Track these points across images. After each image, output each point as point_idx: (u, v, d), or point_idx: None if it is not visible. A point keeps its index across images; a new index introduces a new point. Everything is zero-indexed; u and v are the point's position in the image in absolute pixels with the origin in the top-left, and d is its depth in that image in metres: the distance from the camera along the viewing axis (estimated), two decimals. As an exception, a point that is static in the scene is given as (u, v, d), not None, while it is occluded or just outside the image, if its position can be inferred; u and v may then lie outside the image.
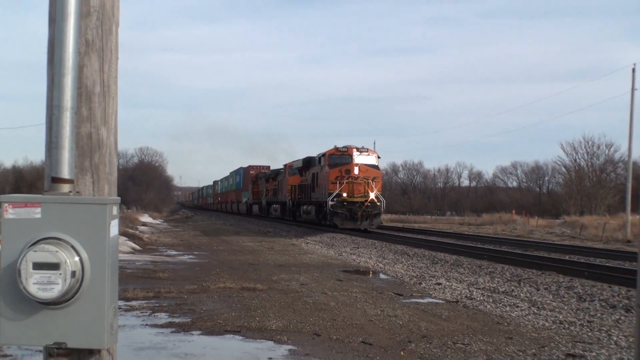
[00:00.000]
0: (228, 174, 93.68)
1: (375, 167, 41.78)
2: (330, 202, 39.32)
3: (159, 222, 61.25)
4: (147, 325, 11.60)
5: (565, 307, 13.54)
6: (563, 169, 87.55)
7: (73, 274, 2.53)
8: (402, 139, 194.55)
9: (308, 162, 47.88)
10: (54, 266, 2.51)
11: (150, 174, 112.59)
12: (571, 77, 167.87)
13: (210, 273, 19.42)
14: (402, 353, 9.58)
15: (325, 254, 26.67)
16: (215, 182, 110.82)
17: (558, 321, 12.07)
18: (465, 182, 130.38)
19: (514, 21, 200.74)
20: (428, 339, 10.52)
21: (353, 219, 39.25)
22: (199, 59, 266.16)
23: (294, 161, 54.17)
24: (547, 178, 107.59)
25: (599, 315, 12.61)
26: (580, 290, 15.57)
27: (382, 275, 19.50)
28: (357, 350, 9.78)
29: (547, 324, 11.78)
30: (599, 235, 42.25)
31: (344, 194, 39.28)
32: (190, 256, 26.16)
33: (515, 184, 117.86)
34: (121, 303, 12.82)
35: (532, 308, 13.50)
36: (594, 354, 9.57)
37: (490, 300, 14.59)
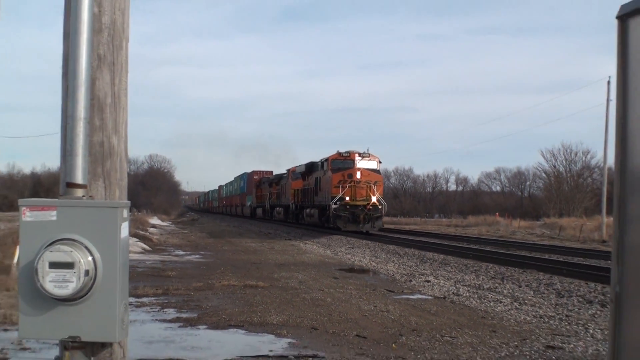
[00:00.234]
0: (232, 179, 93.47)
1: (377, 171, 40.83)
2: (333, 206, 38.43)
3: (168, 225, 61.15)
4: (156, 320, 11.58)
5: (545, 303, 13.56)
6: (543, 175, 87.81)
7: (86, 272, 2.53)
8: (394, 147, 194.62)
9: (311, 167, 46.81)
10: (69, 265, 2.51)
11: (159, 180, 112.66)
12: (551, 89, 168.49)
13: (216, 271, 19.41)
14: (393, 345, 9.57)
15: (322, 253, 26.66)
16: (220, 187, 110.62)
17: (538, 315, 12.08)
18: (452, 187, 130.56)
19: (498, 37, 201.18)
20: (418, 332, 10.52)
21: (355, 221, 38.24)
22: (205, 72, 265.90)
23: (296, 166, 53.23)
24: (528, 183, 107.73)
25: (576, 310, 12.63)
26: (559, 287, 15.59)
27: (375, 273, 19.49)
28: (352, 343, 9.77)
29: (528, 318, 11.79)
30: (576, 236, 42.28)
31: (347, 198, 38.33)
32: (197, 256, 26.13)
33: (498, 188, 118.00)
34: (132, 299, 12.79)
35: (515, 303, 13.50)
36: (572, 345, 9.58)
37: (476, 296, 14.60)
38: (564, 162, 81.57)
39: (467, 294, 14.98)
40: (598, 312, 12.16)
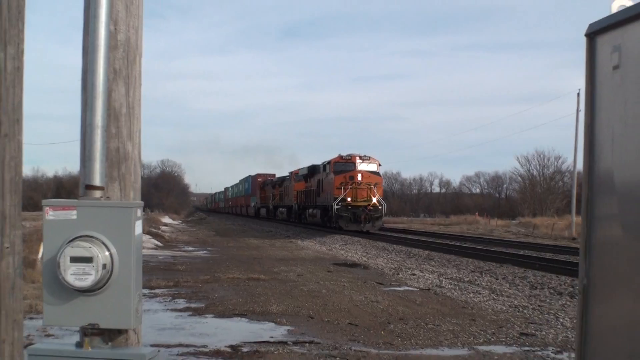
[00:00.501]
0: (238, 181, 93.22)
1: (377, 173, 39.64)
2: (335, 206, 37.18)
3: (178, 223, 61.09)
4: (168, 309, 11.58)
5: (520, 294, 13.59)
6: (519, 178, 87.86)
7: (104, 266, 2.53)
8: (384, 152, 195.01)
9: (313, 169, 45.47)
10: (88, 260, 2.51)
11: (170, 182, 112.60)
12: (527, 100, 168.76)
13: (221, 266, 19.40)
14: (382, 332, 9.57)
15: (318, 249, 26.68)
16: (226, 189, 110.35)
17: (513, 306, 12.10)
18: (436, 189, 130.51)
19: (478, 53, 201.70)
20: (404, 320, 10.53)
21: (357, 221, 36.90)
22: (212, 84, 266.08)
23: (299, 169, 51.88)
24: (505, 185, 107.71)
25: (548, 300, 12.66)
26: (533, 280, 15.63)
27: (365, 268, 19.49)
28: (345, 330, 9.77)
29: (504, 308, 11.81)
30: (548, 234, 42.33)
31: (349, 199, 37.04)
32: (205, 251, 26.13)
33: (478, 190, 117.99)
34: (145, 291, 12.78)
35: (492, 295, 13.53)
36: (544, 332, 9.60)
37: (457, 288, 14.62)
38: (538, 166, 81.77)
39: (449, 286, 15.01)
40: (567, 303, 12.19)
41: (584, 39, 2.96)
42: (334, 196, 37.38)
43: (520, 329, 9.86)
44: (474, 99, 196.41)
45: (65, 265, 2.51)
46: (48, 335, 8.31)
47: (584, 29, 2.95)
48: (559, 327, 10.01)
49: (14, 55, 3.72)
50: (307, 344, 8.78)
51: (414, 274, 17.41)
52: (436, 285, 15.14)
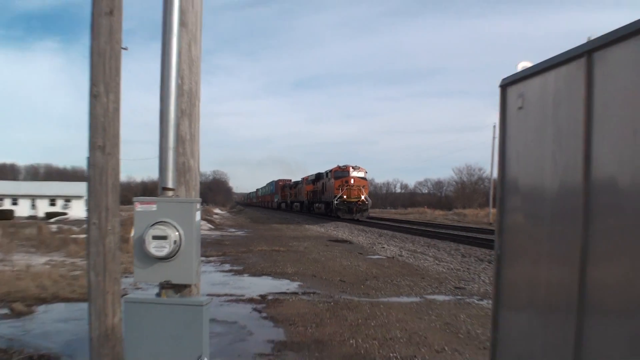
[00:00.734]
0: (265, 184, 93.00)
1: (364, 178, 37.71)
2: (335, 202, 35.52)
3: (224, 213, 60.98)
4: (218, 271, 11.58)
5: (454, 261, 13.57)
6: (454, 183, 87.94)
7: (175, 242, 2.52)
8: (363, 165, 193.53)
9: (318, 176, 43.63)
10: (164, 237, 2.50)
11: (219, 185, 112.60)
12: (460, 130, 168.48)
13: (254, 241, 19.40)
14: (362, 286, 9.57)
15: (319, 231, 26.64)
16: (257, 189, 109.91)
17: (450, 268, 12.09)
18: (398, 190, 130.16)
19: (428, 98, 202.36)
20: (377, 278, 10.52)
21: (350, 212, 35.32)
22: (247, 119, 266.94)
23: (308, 175, 49.68)
24: (444, 187, 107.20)
25: (473, 265, 12.64)
26: (463, 251, 15.59)
27: (351, 243, 19.48)
28: (337, 284, 9.77)
29: (444, 270, 11.80)
30: (473, 220, 42.13)
31: (344, 196, 35.44)
32: (242, 232, 26.13)
33: (426, 191, 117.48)
34: (203, 258, 12.79)
35: (436, 261, 13.52)
36: (470, 286, 9.59)
37: (412, 257, 14.60)
38: (467, 175, 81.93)
39: (407, 255, 14.99)
40: (487, 267, 12.18)
41: (498, 89, 2.97)
42: (334, 194, 36.13)
43: (455, 284, 9.86)
44: (425, 129, 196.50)
45: (148, 241, 2.50)
46: (137, 288, 8.31)
47: (498, 83, 2.96)
48: (481, 283, 10.01)
49: (114, 100, 3.73)
50: (311, 294, 8.78)
51: (383, 247, 17.40)
52: (398, 254, 15.14)
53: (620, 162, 1.98)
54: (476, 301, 8.26)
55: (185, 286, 2.67)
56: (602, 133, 2.09)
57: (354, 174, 36.54)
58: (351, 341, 5.88)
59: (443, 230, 26.21)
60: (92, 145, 3.64)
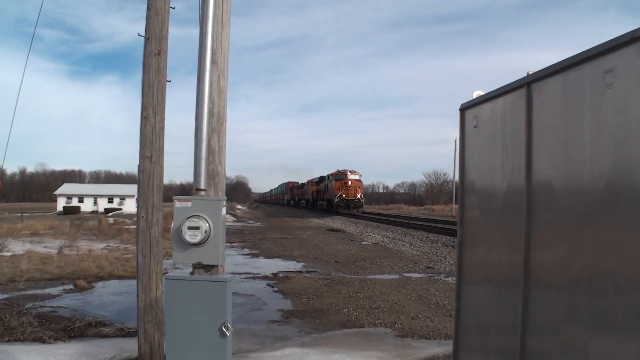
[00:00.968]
0: (277, 185, 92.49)
1: (360, 180, 36.32)
2: (336, 199, 34.55)
3: (244, 209, 60.83)
4: (239, 254, 11.53)
5: (425, 246, 13.55)
6: (425, 184, 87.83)
7: (205, 231, 2.50)
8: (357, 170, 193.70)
9: (321, 178, 42.35)
10: (197, 228, 2.49)
11: (241, 187, 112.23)
12: (430, 143, 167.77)
13: (268, 231, 19.35)
14: (353, 266, 9.53)
15: (319, 222, 26.59)
16: (271, 190, 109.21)
17: (422, 252, 12.05)
18: (381, 190, 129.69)
19: (405, 120, 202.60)
20: (364, 259, 10.49)
21: (348, 208, 34.12)
22: (264, 135, 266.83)
23: (312, 178, 48.39)
24: (417, 188, 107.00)
25: (441, 249, 12.62)
26: (433, 238, 15.57)
27: (344, 232, 19.47)
28: (333, 265, 9.74)
29: (417, 253, 11.76)
30: (440, 214, 42.04)
31: (343, 195, 34.32)
32: (259, 223, 26.05)
33: (403, 191, 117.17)
34: (227, 244, 12.77)
35: (411, 246, 13.49)
36: (439, 266, 9.56)
37: (392, 242, 14.57)
38: (435, 178, 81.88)
39: (388, 241, 14.97)
40: (451, 251, 12.18)
41: (458, 112, 2.97)
42: (335, 194, 35.09)
43: (426, 264, 9.83)
44: (401, 143, 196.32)
45: (185, 231, 2.49)
46: (176, 268, 8.30)
47: (458, 107, 2.96)
48: (447, 263, 9.98)
49: (160, 120, 3.73)
50: (313, 272, 8.75)
51: (369, 235, 17.37)
52: (381, 241, 15.11)
53: (555, 167, 1.99)
54: (443, 278, 8.24)
55: (213, 266, 2.66)
56: (539, 145, 2.10)
57: (351, 176, 35.57)
58: (344, 310, 5.86)
59: (416, 222, 26.13)
60: (142, 156, 3.64)
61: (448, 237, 15.48)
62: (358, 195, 35.04)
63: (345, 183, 34.97)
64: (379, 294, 6.83)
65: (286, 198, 72.46)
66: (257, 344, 4.42)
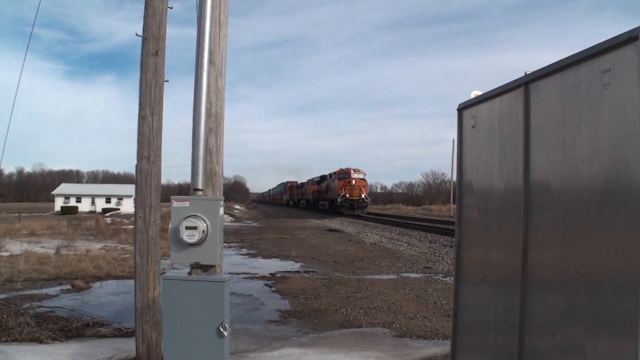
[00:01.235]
0: (275, 185, 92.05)
1: (364, 179, 34.55)
2: (339, 199, 32.67)
3: (242, 209, 60.64)
4: (237, 254, 11.50)
5: (423, 246, 13.55)
6: (423, 184, 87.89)
7: (203, 231, 2.49)
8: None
9: (322, 177, 40.27)
10: (194, 228, 2.47)
11: (239, 187, 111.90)
12: (428, 143, 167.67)
13: (266, 231, 19.32)
14: (350, 266, 9.52)
15: (317, 223, 26.57)
16: (269, 189, 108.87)
17: (420, 252, 12.05)
18: (379, 190, 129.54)
19: (402, 119, 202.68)
20: (362, 259, 10.48)
21: (352, 208, 32.36)
22: (261, 135, 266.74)
23: (313, 177, 46.14)
24: (415, 188, 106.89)
25: (439, 249, 12.62)
26: (430, 238, 15.57)
27: (341, 232, 19.45)
28: (331, 265, 9.73)
29: (415, 253, 11.76)
30: (438, 214, 42.07)
31: (347, 195, 32.48)
32: (256, 223, 26.01)
33: (401, 191, 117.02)
34: (225, 244, 12.72)
35: (409, 246, 13.48)
36: (436, 266, 9.56)
37: (390, 243, 14.57)
38: (432, 178, 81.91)
39: (386, 241, 14.96)
40: (449, 251, 12.18)
41: (456, 112, 2.97)
42: (338, 193, 33.15)
43: (424, 264, 9.83)
44: (399, 143, 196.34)
45: (182, 231, 2.47)
46: (173, 268, 8.25)
47: (456, 107, 2.96)
48: (444, 263, 9.98)
49: (157, 120, 3.71)
50: (311, 272, 8.74)
51: (367, 235, 17.36)
52: (379, 241, 15.11)
53: (552, 167, 1.98)
54: (441, 278, 8.25)
55: (211, 266, 2.65)
56: (537, 145, 2.10)
57: (355, 175, 33.71)
58: (342, 310, 5.85)
59: (414, 222, 26.13)
60: (140, 156, 3.62)
61: (446, 237, 15.47)
62: (363, 195, 33.43)
63: (349, 182, 33.30)
64: (377, 294, 6.82)
65: (285, 198, 71.59)
66: (255, 344, 4.41)
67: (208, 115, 2.78)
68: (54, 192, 56.73)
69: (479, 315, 2.57)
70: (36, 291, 6.67)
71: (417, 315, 5.54)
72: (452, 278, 7.68)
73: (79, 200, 55.14)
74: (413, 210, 55.72)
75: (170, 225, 2.60)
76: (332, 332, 4.82)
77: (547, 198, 2.00)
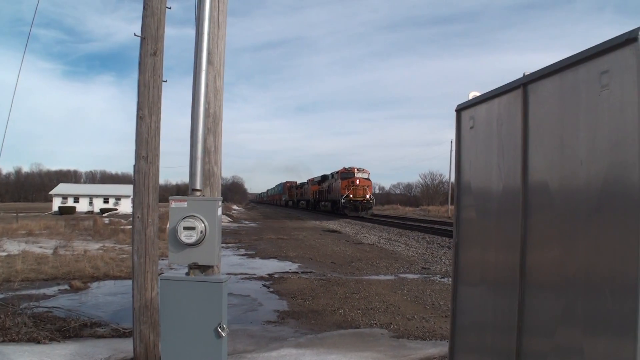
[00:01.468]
0: (274, 185, 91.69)
1: (368, 179, 32.79)
2: (342, 200, 31.23)
3: (240, 209, 60.47)
4: (235, 255, 11.48)
5: (421, 247, 13.55)
6: (420, 185, 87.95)
7: (201, 232, 2.47)
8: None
9: (324, 177, 38.70)
10: (192, 228, 2.45)
11: (237, 187, 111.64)
12: (425, 144, 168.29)
13: (264, 231, 19.28)
14: (348, 267, 9.52)
15: (315, 224, 26.54)
16: (267, 190, 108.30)
17: (418, 253, 12.05)
18: (377, 191, 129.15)
19: (400, 120, 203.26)
20: (360, 260, 10.48)
21: (356, 210, 30.94)
22: (260, 136, 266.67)
23: (313, 177, 44.40)
24: (413, 189, 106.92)
25: (437, 250, 12.62)
26: (428, 239, 15.57)
27: (339, 233, 19.43)
28: (329, 265, 9.72)
29: (413, 254, 11.76)
30: (436, 215, 42.13)
31: (351, 196, 31.06)
32: (254, 224, 25.97)
33: (399, 192, 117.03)
34: (223, 245, 12.70)
35: (406, 247, 13.49)
36: (434, 267, 9.56)
37: (388, 243, 14.57)
38: (430, 179, 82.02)
39: (384, 242, 14.96)
40: (447, 252, 12.19)
41: (454, 113, 2.97)
42: (341, 194, 31.60)
43: (422, 265, 9.83)
44: (397, 143, 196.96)
45: (180, 231, 2.45)
46: (171, 269, 8.22)
47: (454, 108, 2.96)
48: (442, 264, 9.98)
49: (155, 120, 3.70)
50: (309, 273, 8.72)
51: (365, 236, 17.36)
52: (377, 242, 15.11)
53: (550, 168, 1.98)
54: (439, 279, 8.25)
55: (209, 267, 2.63)
56: (535, 146, 2.09)
57: (358, 175, 32.12)
58: (340, 311, 5.83)
59: (412, 223, 26.12)
60: (138, 156, 3.61)
61: (444, 238, 15.46)
62: (367, 196, 31.75)
63: (353, 182, 31.62)
64: (375, 294, 6.81)
65: (284, 199, 70.70)
66: (253, 344, 4.39)
67: (206, 116, 2.77)
68: (51, 192, 56.52)
69: (477, 316, 2.57)
70: (34, 291, 6.63)
71: (415, 316, 5.53)
72: (449, 279, 7.67)
73: (76, 200, 54.93)
74: (411, 211, 55.74)
75: (168, 226, 2.58)
76: (329, 333, 4.80)
77: (545, 199, 2.00)
